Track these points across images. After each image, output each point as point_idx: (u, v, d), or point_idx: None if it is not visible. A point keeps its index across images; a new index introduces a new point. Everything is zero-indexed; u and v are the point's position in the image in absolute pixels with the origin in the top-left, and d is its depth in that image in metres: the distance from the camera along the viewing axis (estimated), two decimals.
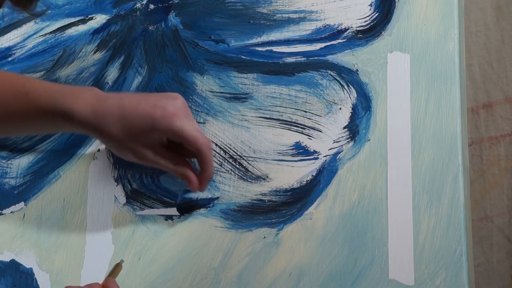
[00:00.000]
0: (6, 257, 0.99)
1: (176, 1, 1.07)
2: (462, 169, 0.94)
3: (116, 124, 0.91)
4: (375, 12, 1.02)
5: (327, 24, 1.02)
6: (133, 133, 0.91)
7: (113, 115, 0.91)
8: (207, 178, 0.95)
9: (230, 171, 0.99)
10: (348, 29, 1.02)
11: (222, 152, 0.99)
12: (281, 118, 1.00)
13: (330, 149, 0.97)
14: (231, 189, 0.98)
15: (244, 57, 1.03)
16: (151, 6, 1.07)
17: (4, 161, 1.03)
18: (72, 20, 1.08)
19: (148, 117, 0.91)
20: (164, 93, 0.96)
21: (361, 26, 1.01)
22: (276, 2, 1.04)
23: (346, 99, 0.99)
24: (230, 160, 0.99)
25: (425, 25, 1.00)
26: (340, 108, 0.99)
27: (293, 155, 0.98)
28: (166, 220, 0.98)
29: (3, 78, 0.95)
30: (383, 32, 1.00)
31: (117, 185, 1.00)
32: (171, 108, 0.91)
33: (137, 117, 0.91)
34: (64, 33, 1.08)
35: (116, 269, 0.92)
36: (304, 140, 0.98)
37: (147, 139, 0.92)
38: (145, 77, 1.04)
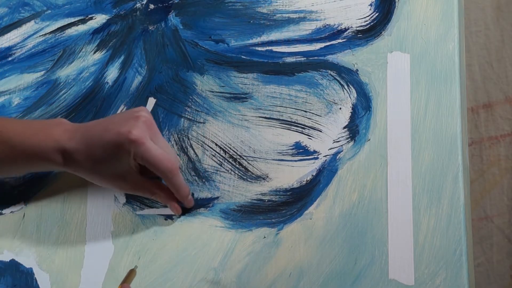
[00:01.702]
0: (6, 257, 0.99)
1: (176, 1, 1.07)
2: (462, 169, 0.94)
3: (85, 158, 0.92)
4: (375, 12, 1.02)
5: (327, 24, 1.02)
6: (103, 163, 0.92)
7: (82, 150, 0.92)
8: (183, 199, 0.96)
9: (230, 171, 0.99)
10: (348, 29, 1.02)
11: (222, 152, 0.99)
12: (281, 118, 1.00)
13: (330, 149, 0.97)
14: (231, 189, 0.98)
15: (244, 57, 1.03)
16: (151, 6, 1.07)
17: None
18: (72, 20, 1.08)
19: (114, 144, 0.90)
20: (128, 111, 0.95)
21: (361, 26, 1.01)
22: (276, 2, 1.04)
23: (346, 99, 0.99)
24: (230, 160, 0.99)
25: (425, 25, 1.00)
26: (340, 108, 0.99)
27: (293, 155, 0.98)
28: (166, 219, 0.98)
29: None
30: (383, 32, 1.01)
31: None
32: (135, 132, 0.90)
33: (103, 147, 0.91)
34: (64, 33, 1.08)
35: (130, 275, 0.92)
36: (304, 140, 0.98)
37: (117, 167, 0.92)
38: (145, 77, 1.04)
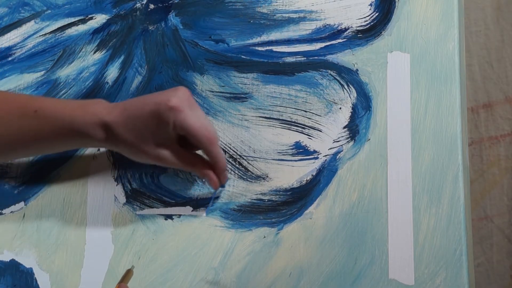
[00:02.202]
0: (6, 257, 0.99)
1: (176, 1, 1.07)
2: (462, 169, 0.94)
3: (126, 130, 0.91)
4: (375, 12, 1.02)
5: (327, 24, 1.02)
6: (144, 135, 0.91)
7: (122, 122, 0.91)
8: (220, 171, 0.95)
9: (230, 171, 0.99)
10: (348, 28, 1.02)
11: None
12: (281, 117, 1.00)
13: (330, 148, 0.97)
14: (231, 189, 0.98)
15: (244, 56, 1.03)
16: (151, 6, 1.07)
17: None
18: (72, 20, 1.08)
19: (153, 114, 0.90)
20: (167, 89, 0.95)
21: (361, 25, 1.01)
22: (276, 2, 1.04)
23: (346, 98, 0.99)
24: (230, 160, 0.99)
25: (425, 25, 1.00)
26: (340, 108, 0.99)
27: (293, 154, 0.98)
28: (166, 219, 0.98)
29: (9, 97, 0.95)
30: (383, 32, 1.01)
31: (117, 185, 1.00)
32: (174, 100, 0.90)
33: (143, 118, 0.91)
34: (64, 33, 1.08)
35: (127, 275, 0.91)
36: (304, 140, 0.98)
37: (158, 138, 0.92)
38: (145, 77, 1.04)
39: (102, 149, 1.02)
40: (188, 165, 0.95)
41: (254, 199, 0.97)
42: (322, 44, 1.02)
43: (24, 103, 0.94)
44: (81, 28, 1.07)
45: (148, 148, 0.92)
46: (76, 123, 0.92)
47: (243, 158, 0.99)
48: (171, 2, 1.07)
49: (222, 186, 0.98)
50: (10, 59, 1.07)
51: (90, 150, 1.02)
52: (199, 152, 0.96)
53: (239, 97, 1.01)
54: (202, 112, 0.93)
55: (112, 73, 1.05)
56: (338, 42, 1.01)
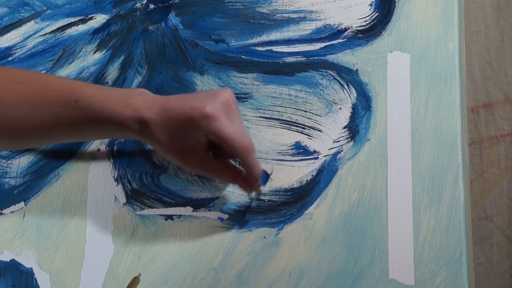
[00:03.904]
0: (6, 257, 0.99)
1: (176, 1, 1.07)
2: (462, 169, 0.94)
3: (161, 129, 0.90)
4: (375, 12, 1.02)
5: (327, 24, 1.02)
6: (177, 137, 0.91)
7: (158, 121, 0.90)
8: (254, 179, 0.94)
9: None
10: (348, 28, 1.02)
11: None
12: (281, 118, 1.00)
13: (330, 148, 0.97)
14: (231, 189, 0.98)
15: (244, 56, 1.03)
16: (151, 6, 1.07)
17: (4, 160, 1.03)
18: (72, 20, 1.08)
19: (187, 119, 0.89)
20: (211, 91, 0.94)
21: (361, 26, 1.01)
22: (276, 2, 1.04)
23: (346, 98, 0.99)
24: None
25: (425, 25, 1.00)
26: (340, 108, 0.99)
27: (293, 155, 0.98)
28: (166, 220, 0.98)
29: (50, 84, 0.94)
30: (383, 32, 1.01)
31: (117, 185, 1.00)
32: (209, 108, 0.88)
33: (178, 121, 0.89)
34: (64, 33, 1.08)
35: (133, 283, 0.91)
36: (304, 140, 0.98)
37: (188, 142, 0.91)
38: (145, 77, 1.04)
39: (102, 149, 1.02)
40: (214, 173, 0.95)
41: (254, 200, 0.97)
42: (322, 44, 1.02)
43: (65, 92, 0.92)
44: (81, 28, 1.07)
45: (177, 148, 0.92)
46: (116, 116, 0.91)
47: None
48: (171, 2, 1.07)
49: (257, 197, 0.97)
50: (10, 59, 1.07)
51: (90, 150, 1.02)
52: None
53: (239, 97, 1.01)
54: (240, 120, 0.92)
55: (112, 73, 1.05)
56: (338, 42, 1.01)
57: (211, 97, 0.90)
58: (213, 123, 0.88)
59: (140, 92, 0.93)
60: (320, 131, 0.98)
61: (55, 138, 0.97)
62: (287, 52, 1.02)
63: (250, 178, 0.93)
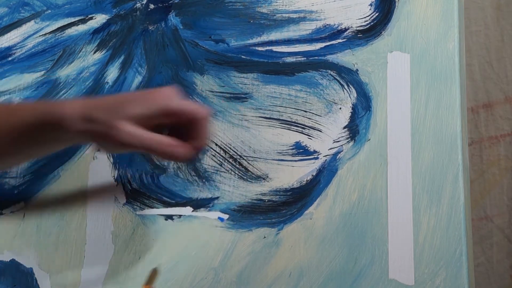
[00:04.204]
0: (6, 257, 0.99)
1: (176, 1, 1.07)
2: (462, 169, 0.94)
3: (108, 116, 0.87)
4: (375, 12, 1.02)
5: (327, 24, 1.02)
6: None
7: (104, 107, 0.87)
8: (199, 147, 0.89)
9: (230, 171, 0.99)
10: (348, 29, 1.02)
11: (222, 152, 0.99)
12: (281, 118, 1.00)
13: (330, 149, 0.97)
14: (231, 189, 0.98)
15: (244, 56, 1.03)
16: (151, 6, 1.07)
17: None
18: (72, 20, 1.08)
19: (143, 101, 0.86)
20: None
21: (361, 26, 1.01)
22: (276, 2, 1.04)
23: (346, 98, 0.99)
24: (230, 160, 0.99)
25: (425, 25, 1.00)
26: (340, 108, 0.99)
27: (293, 155, 0.98)
28: (166, 220, 0.98)
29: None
30: (383, 32, 1.01)
31: (117, 185, 1.00)
32: (164, 91, 0.87)
33: (130, 104, 0.87)
34: (64, 33, 1.08)
35: (152, 275, 0.90)
36: (304, 140, 0.98)
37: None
38: (145, 77, 1.04)
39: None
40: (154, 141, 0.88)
41: (254, 199, 0.97)
42: (322, 44, 1.02)
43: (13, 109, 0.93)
44: (81, 28, 1.07)
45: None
46: (54, 114, 0.88)
47: (243, 158, 0.99)
48: (171, 2, 1.07)
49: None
50: (10, 59, 1.07)
51: (90, 150, 1.02)
52: None
53: (239, 97, 1.01)
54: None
55: (112, 73, 1.05)
56: (338, 42, 1.01)
57: (159, 87, 0.88)
58: (173, 101, 0.86)
59: (77, 98, 0.93)
60: (320, 131, 0.98)
61: (16, 156, 0.96)
62: (287, 52, 1.02)
63: (201, 142, 0.88)
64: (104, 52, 1.06)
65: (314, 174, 0.97)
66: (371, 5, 1.02)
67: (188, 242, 0.97)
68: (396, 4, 1.01)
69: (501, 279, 1.24)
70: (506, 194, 1.26)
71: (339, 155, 0.97)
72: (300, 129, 0.99)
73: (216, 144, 1.00)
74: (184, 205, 0.98)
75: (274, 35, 1.03)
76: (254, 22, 1.04)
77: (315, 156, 0.98)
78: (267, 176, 0.98)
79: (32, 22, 1.09)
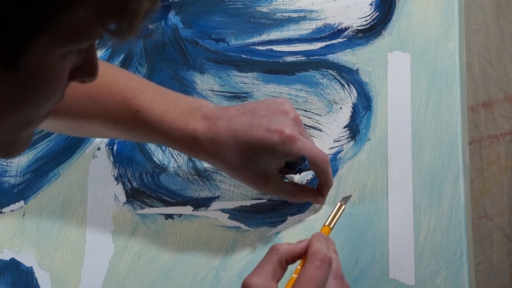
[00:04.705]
0: (6, 256, 0.99)
1: (176, 0, 1.06)
2: (463, 169, 0.94)
3: (232, 151, 0.89)
4: (375, 12, 1.01)
5: (327, 23, 1.02)
6: (251, 161, 0.89)
7: (226, 142, 0.89)
8: (328, 188, 0.94)
9: None
10: (349, 28, 1.01)
11: None
12: None
13: (331, 148, 0.97)
14: (232, 188, 0.98)
15: (244, 56, 1.03)
16: None
17: (4, 159, 1.03)
18: None
19: (264, 143, 0.88)
20: (271, 104, 0.91)
21: (362, 25, 1.01)
22: (276, 1, 1.04)
23: (347, 98, 0.99)
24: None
25: (426, 24, 1.00)
26: (341, 108, 0.99)
27: None
28: (166, 219, 0.98)
29: (115, 87, 0.92)
30: (383, 32, 1.00)
31: (117, 184, 1.00)
32: (288, 130, 0.88)
33: (251, 145, 0.88)
34: None
35: (336, 213, 0.85)
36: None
37: (265, 167, 0.90)
38: (145, 76, 1.04)
39: (102, 148, 1.02)
40: (289, 195, 0.93)
41: (255, 199, 0.97)
42: (323, 44, 1.01)
43: (128, 99, 0.91)
44: None
45: (250, 175, 0.91)
46: (174, 135, 0.90)
47: None
48: (171, 1, 1.07)
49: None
50: None
51: (90, 149, 1.02)
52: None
53: (239, 96, 1.01)
54: (308, 135, 0.92)
55: None
56: (339, 42, 1.01)
57: (281, 115, 0.89)
58: (296, 145, 0.87)
59: (199, 105, 0.91)
60: (321, 130, 0.98)
61: (114, 135, 0.97)
62: (288, 51, 1.02)
63: (326, 188, 0.93)
64: (104, 50, 1.06)
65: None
66: (371, 4, 1.02)
67: (188, 241, 0.97)
68: (397, 4, 1.01)
69: (501, 277, 1.25)
70: (506, 193, 1.26)
71: (339, 154, 0.97)
72: None
73: None
74: (184, 204, 0.98)
75: (274, 34, 1.03)
76: (254, 21, 1.04)
77: None
78: None
79: None
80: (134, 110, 0.91)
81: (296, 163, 0.92)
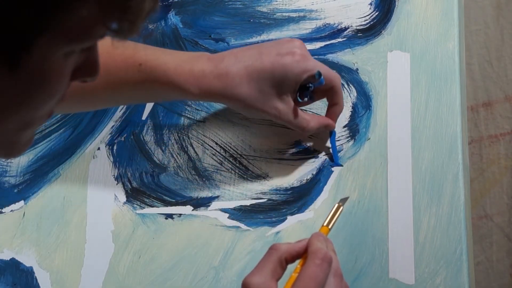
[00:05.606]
0: (6, 256, 0.99)
1: (176, 0, 1.07)
2: (463, 168, 0.94)
3: (243, 81, 0.90)
4: (375, 11, 1.02)
5: (327, 23, 1.02)
6: (265, 89, 0.90)
7: (237, 74, 0.90)
8: (339, 112, 0.95)
9: (230, 170, 0.99)
10: (348, 28, 1.02)
11: (222, 151, 0.99)
12: None
13: (331, 148, 0.97)
14: (231, 188, 0.98)
15: None
16: None
17: (4, 159, 1.03)
18: None
19: (278, 65, 0.89)
20: (275, 40, 0.94)
21: (361, 25, 1.01)
22: (276, 1, 1.04)
23: (346, 98, 0.99)
24: (230, 159, 0.99)
25: (425, 24, 1.00)
26: None
27: (293, 153, 0.98)
28: (166, 219, 0.98)
29: (115, 44, 0.93)
30: (383, 31, 1.00)
31: (117, 184, 1.00)
32: (299, 50, 0.90)
33: (265, 72, 0.89)
34: None
35: (334, 214, 0.84)
36: (304, 139, 0.98)
37: (280, 91, 0.90)
38: None
39: (102, 148, 1.02)
40: (303, 122, 0.93)
41: (255, 198, 0.97)
42: (322, 43, 1.01)
43: (129, 55, 0.91)
44: None
45: (263, 103, 0.91)
46: (181, 81, 0.90)
47: (243, 157, 0.99)
48: (171, 1, 1.07)
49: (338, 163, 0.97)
50: None
51: (90, 149, 1.02)
52: None
53: None
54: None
55: None
56: (338, 41, 1.01)
57: (285, 42, 0.91)
58: (310, 62, 0.90)
59: (201, 53, 0.92)
60: None
61: (121, 100, 0.97)
62: None
63: (337, 109, 0.95)
64: None
65: (314, 173, 0.97)
66: (371, 4, 1.02)
67: (188, 241, 0.97)
68: (396, 3, 1.01)
69: (501, 277, 1.25)
70: (506, 192, 1.26)
71: (339, 154, 0.97)
72: None
73: (216, 143, 1.00)
74: (184, 204, 0.98)
75: (274, 34, 1.03)
76: (254, 21, 1.04)
77: (315, 155, 0.98)
78: (267, 175, 0.98)
79: None
80: (136, 65, 0.91)
81: (309, 88, 0.92)
